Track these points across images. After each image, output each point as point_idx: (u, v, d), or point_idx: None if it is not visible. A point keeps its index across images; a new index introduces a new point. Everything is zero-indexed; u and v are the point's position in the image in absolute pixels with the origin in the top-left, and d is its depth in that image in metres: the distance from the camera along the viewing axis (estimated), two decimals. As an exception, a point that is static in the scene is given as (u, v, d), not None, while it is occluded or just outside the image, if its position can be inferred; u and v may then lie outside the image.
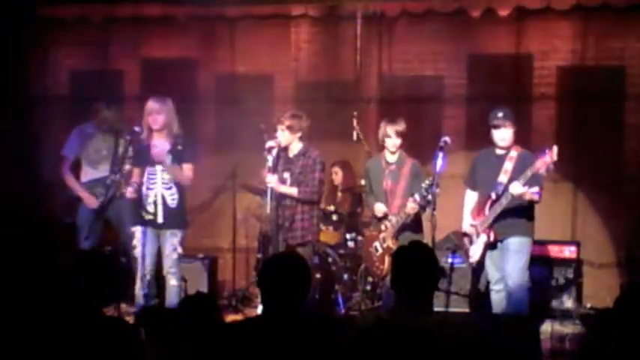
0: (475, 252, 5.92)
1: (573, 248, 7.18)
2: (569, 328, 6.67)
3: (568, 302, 7.06)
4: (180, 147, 6.14)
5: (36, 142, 8.34)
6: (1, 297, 5.88)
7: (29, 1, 8.28)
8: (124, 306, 6.21)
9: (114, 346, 3.36)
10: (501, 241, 5.83)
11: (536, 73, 8.00)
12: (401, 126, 6.18)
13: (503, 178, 5.77)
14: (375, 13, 8.12)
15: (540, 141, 7.51)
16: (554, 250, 7.10)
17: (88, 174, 7.08)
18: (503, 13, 7.75)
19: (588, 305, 7.17)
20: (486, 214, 5.80)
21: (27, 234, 7.63)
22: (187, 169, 6.19)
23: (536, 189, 5.62)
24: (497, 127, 5.81)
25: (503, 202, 5.69)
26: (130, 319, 5.88)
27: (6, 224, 7.52)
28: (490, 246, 5.86)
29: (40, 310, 3.66)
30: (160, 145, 6.10)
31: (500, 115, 5.81)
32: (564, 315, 6.91)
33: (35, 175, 8.22)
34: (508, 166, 5.80)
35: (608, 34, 7.78)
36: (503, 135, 5.82)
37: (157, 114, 6.10)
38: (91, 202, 6.90)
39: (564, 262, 7.12)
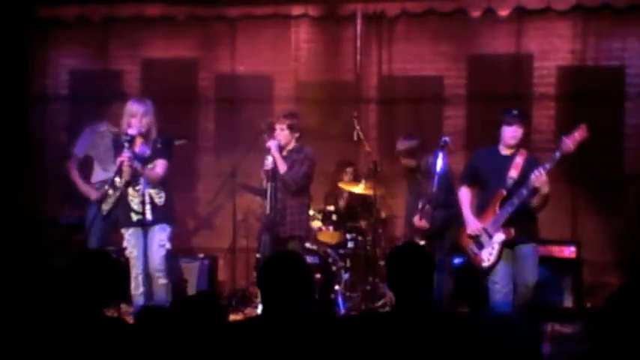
0: (490, 255, 5.61)
1: (573, 248, 7.16)
2: (569, 328, 6.67)
3: (568, 302, 7.06)
4: (159, 145, 6.00)
5: (36, 142, 8.34)
6: (2, 297, 5.89)
7: (29, 1, 8.28)
8: (124, 306, 6.19)
9: (114, 347, 3.36)
10: (515, 244, 5.63)
11: (536, 73, 7.99)
12: (403, 145, 6.50)
13: (513, 173, 5.59)
14: (375, 13, 8.12)
15: (540, 141, 7.53)
16: (554, 250, 7.08)
17: (98, 174, 7.10)
18: (503, 13, 7.77)
19: (588, 305, 7.17)
20: (497, 212, 5.59)
21: (27, 233, 7.63)
22: (159, 164, 5.97)
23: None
24: (510, 123, 5.62)
25: (515, 201, 5.51)
26: (130, 319, 5.86)
27: (7, 224, 7.52)
28: (507, 244, 5.60)
29: (41, 310, 3.66)
30: (142, 151, 5.97)
31: (515, 112, 5.67)
32: (564, 315, 6.91)
33: (35, 175, 8.21)
34: (519, 160, 5.62)
35: (608, 34, 7.78)
36: (514, 133, 5.62)
37: (143, 116, 5.88)
38: (91, 194, 7.02)
39: (564, 262, 7.12)
